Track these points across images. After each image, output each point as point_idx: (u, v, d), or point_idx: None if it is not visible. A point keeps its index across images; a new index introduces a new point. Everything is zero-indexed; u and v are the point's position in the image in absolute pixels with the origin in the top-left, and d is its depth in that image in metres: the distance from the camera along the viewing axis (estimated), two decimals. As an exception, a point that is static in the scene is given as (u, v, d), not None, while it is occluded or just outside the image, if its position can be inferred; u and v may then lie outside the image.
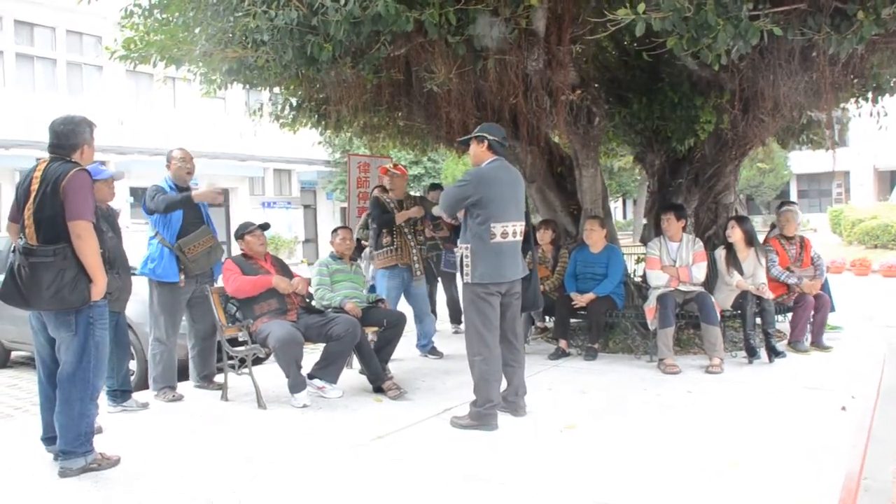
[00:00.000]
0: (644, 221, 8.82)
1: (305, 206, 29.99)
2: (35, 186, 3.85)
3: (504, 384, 4.84)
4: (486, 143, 4.68)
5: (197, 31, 5.78)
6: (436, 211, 4.74)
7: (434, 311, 8.29)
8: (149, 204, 5.60)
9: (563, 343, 6.85)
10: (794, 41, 5.07)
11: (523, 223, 4.75)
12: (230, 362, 5.54)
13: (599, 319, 6.71)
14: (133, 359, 6.80)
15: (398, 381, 5.77)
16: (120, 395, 5.36)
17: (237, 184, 26.65)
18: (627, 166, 25.00)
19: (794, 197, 41.87)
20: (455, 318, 8.72)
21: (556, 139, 8.53)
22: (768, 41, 4.92)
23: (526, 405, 4.94)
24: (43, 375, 4.11)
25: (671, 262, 6.51)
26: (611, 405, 5.18)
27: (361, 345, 5.62)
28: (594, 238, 6.92)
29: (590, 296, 6.66)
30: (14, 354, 8.79)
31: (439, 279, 8.50)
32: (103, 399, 5.26)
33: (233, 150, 24.65)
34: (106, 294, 4.84)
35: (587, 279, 6.86)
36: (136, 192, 21.87)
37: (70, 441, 3.91)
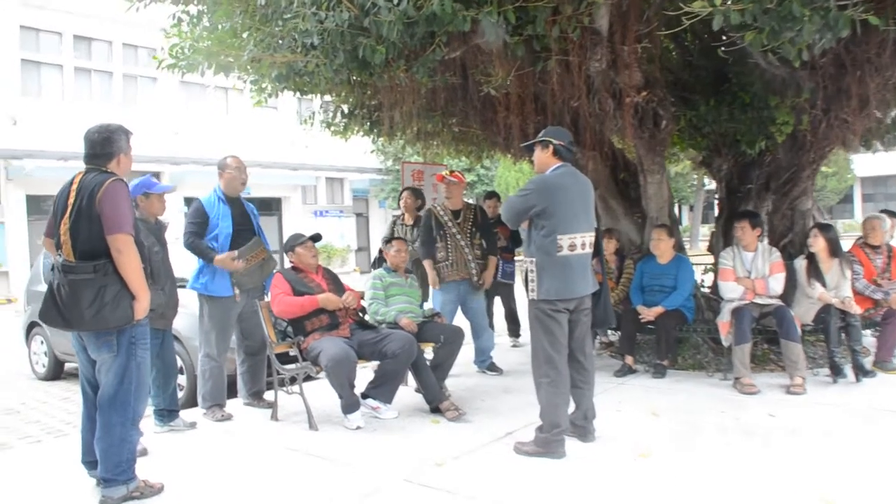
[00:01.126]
0: (712, 228, 8.36)
1: (358, 215, 29.93)
2: (71, 200, 3.65)
3: (571, 406, 4.49)
4: (550, 147, 4.36)
5: (245, 35, 5.56)
6: (503, 216, 4.43)
7: (491, 324, 7.97)
8: (185, 234, 5.46)
9: (629, 359, 6.47)
10: (888, 32, 4.63)
11: (593, 234, 4.41)
12: (280, 377, 5.31)
13: (669, 334, 6.30)
14: (182, 373, 6.66)
15: (456, 400, 5.47)
16: (167, 414, 5.17)
17: (289, 193, 26.71)
18: (684, 171, 24.35)
19: (857, 201, 40.46)
20: (513, 331, 8.39)
21: (619, 144, 8.14)
22: (857, 33, 4.49)
23: (595, 429, 4.58)
24: (89, 396, 3.90)
25: (746, 273, 6.07)
26: (686, 429, 4.78)
27: (418, 363, 5.33)
28: (662, 248, 6.52)
29: (658, 309, 6.26)
30: (67, 366, 8.70)
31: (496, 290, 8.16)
32: (150, 419, 5.10)
33: (285, 158, 24.70)
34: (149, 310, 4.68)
35: (654, 292, 6.46)
36: (190, 202, 22.00)
37: (111, 468, 3.69)
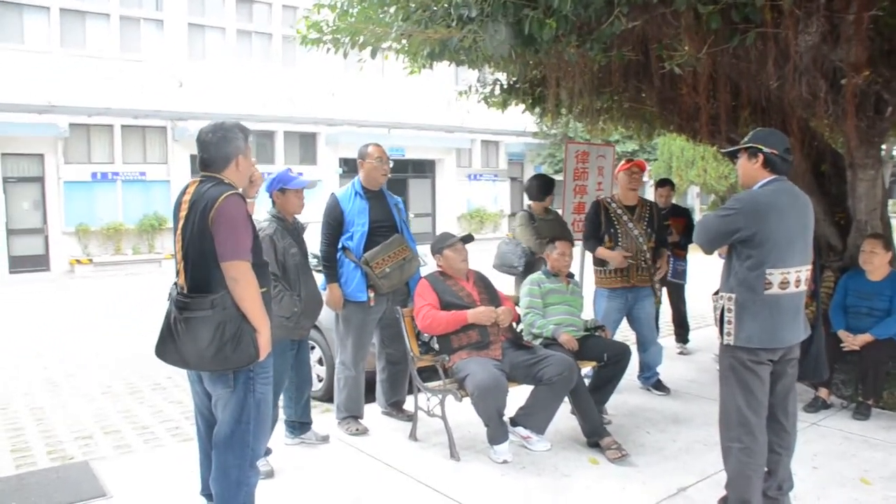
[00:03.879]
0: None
1: (512, 179, 29.17)
2: (183, 214, 3.16)
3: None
4: (760, 157, 3.46)
5: (392, 10, 4.94)
6: (696, 238, 3.58)
7: (656, 325, 7.13)
8: (321, 232, 5.02)
9: (823, 392, 5.43)
10: None
11: (809, 268, 3.51)
12: (421, 394, 4.78)
13: (878, 369, 5.21)
14: (322, 364, 6.31)
15: (617, 428, 4.75)
16: (299, 426, 4.78)
17: (443, 155, 26.32)
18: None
19: None
20: (681, 336, 7.49)
21: (826, 133, 6.98)
22: None
23: (791, 502, 3.73)
24: (202, 429, 3.48)
25: None
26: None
27: (577, 388, 4.62)
28: (876, 263, 5.40)
29: (866, 337, 5.21)
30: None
31: (664, 290, 7.29)
32: (280, 430, 4.73)
33: (440, 121, 24.26)
34: (284, 320, 4.23)
35: (861, 315, 5.39)
36: (347, 162, 22.10)
37: (226, 513, 3.26)
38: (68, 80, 18.19)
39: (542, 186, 6.39)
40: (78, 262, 18.66)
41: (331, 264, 4.95)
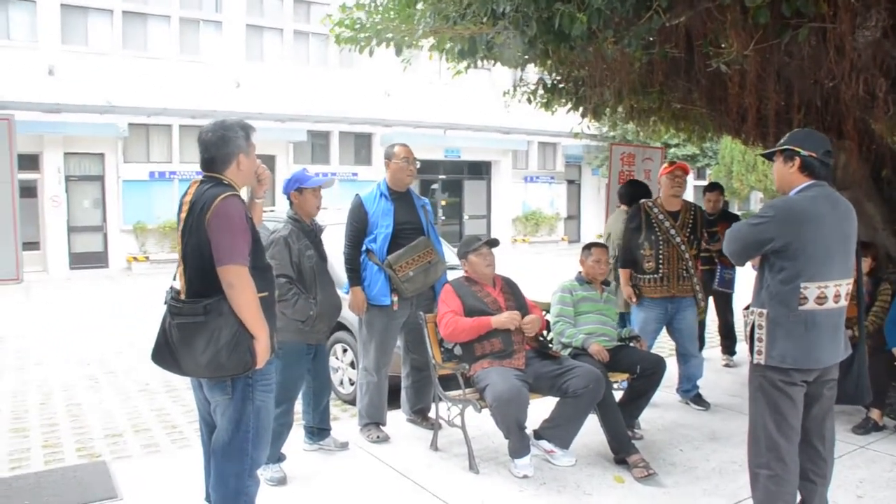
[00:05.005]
0: None
1: (569, 182, 28.74)
2: (184, 216, 3.05)
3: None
4: (797, 160, 3.18)
5: (420, 6, 4.78)
6: (726, 248, 3.31)
7: (701, 337, 6.81)
8: (345, 233, 4.91)
9: (875, 413, 5.06)
10: None
11: (850, 282, 3.20)
12: (442, 403, 4.61)
13: (939, 389, 4.86)
14: (354, 367, 6.20)
15: (648, 445, 4.50)
16: (317, 432, 4.67)
17: (499, 157, 26.07)
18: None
19: None
20: (728, 348, 7.16)
21: (888, 136, 6.56)
22: None
23: (829, 534, 3.44)
24: (205, 435, 3.37)
25: None
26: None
27: (606, 401, 4.39)
28: (939, 274, 5.04)
29: (925, 355, 4.85)
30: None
31: (710, 299, 6.98)
32: (300, 436, 4.62)
33: (496, 122, 24.02)
34: (299, 323, 4.12)
35: (921, 330, 5.01)
36: (401, 164, 22.00)
37: (225, 522, 3.14)
38: (128, 81, 18.55)
39: (635, 193, 6.21)
40: (135, 259, 19.04)
41: (354, 267, 4.83)
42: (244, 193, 3.25)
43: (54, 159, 18.31)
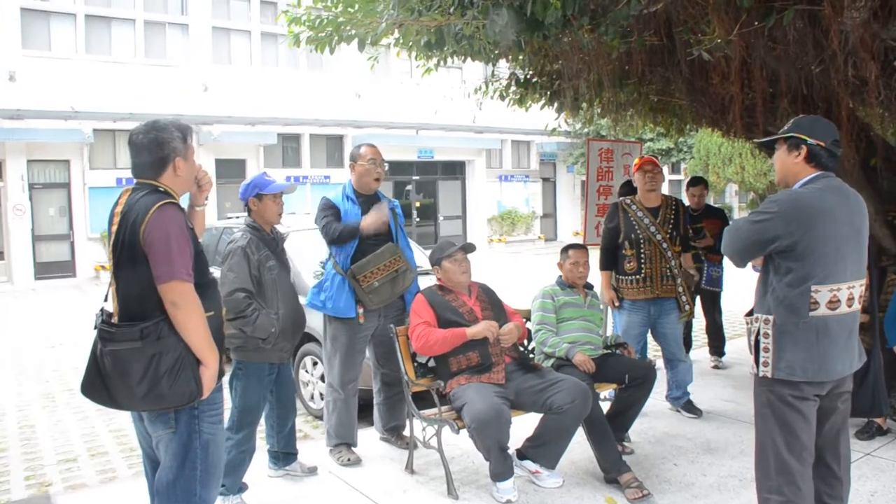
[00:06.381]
0: None
1: (544, 180, 28.49)
2: (114, 229, 2.68)
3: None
4: (803, 149, 2.86)
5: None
6: (724, 247, 2.98)
7: (689, 338, 6.53)
8: (321, 229, 4.48)
9: (879, 418, 4.81)
10: None
11: (863, 283, 2.89)
12: (418, 421, 4.26)
13: (944, 389, 4.58)
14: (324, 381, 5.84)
15: (639, 459, 4.19)
16: (283, 457, 4.31)
17: (473, 157, 25.77)
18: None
19: None
20: (716, 349, 6.88)
21: (876, 123, 6.32)
22: None
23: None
24: (149, 471, 3.00)
25: None
26: None
27: (593, 418, 4.07)
28: (939, 268, 4.77)
29: (929, 353, 4.57)
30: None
31: (697, 298, 6.70)
32: (264, 461, 4.26)
33: (469, 121, 23.72)
34: (260, 342, 3.78)
35: (922, 327, 4.73)
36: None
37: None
38: (93, 86, 18.06)
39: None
40: (103, 267, 18.48)
41: (340, 229, 4.40)
42: (184, 201, 2.88)
43: (17, 167, 17.79)
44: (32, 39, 18.00)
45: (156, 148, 2.74)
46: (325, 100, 21.12)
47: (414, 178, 24.63)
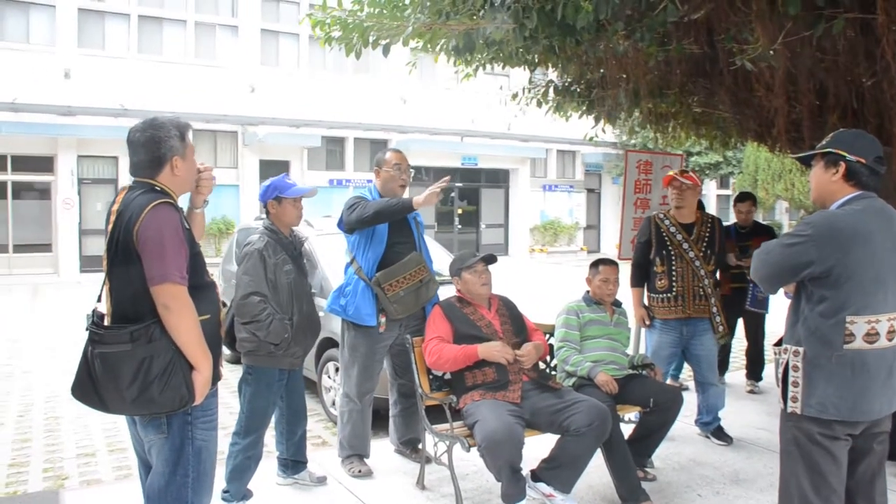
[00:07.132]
0: None
1: (589, 191, 28.17)
2: (110, 228, 2.61)
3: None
4: (842, 166, 2.64)
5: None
6: (753, 272, 2.76)
7: (725, 361, 6.27)
8: (347, 217, 4.28)
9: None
10: None
11: (906, 314, 2.65)
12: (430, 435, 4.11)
13: None
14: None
15: (662, 487, 3.98)
16: (292, 465, 4.21)
17: (517, 165, 25.57)
18: None
19: None
20: (754, 373, 6.59)
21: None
22: None
23: None
24: (143, 475, 2.91)
25: None
26: None
27: (612, 442, 3.88)
28: None
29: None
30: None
31: (740, 320, 6.44)
32: (273, 468, 4.16)
33: (514, 129, 23.55)
34: (272, 347, 3.68)
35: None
36: (418, 170, 21.62)
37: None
38: (143, 85, 18.37)
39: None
40: (146, 262, 18.80)
41: (379, 205, 4.20)
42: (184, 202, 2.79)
43: (68, 161, 18.21)
44: (87, 38, 18.42)
45: (152, 146, 2.67)
46: (371, 104, 21.16)
47: (457, 185, 24.52)
